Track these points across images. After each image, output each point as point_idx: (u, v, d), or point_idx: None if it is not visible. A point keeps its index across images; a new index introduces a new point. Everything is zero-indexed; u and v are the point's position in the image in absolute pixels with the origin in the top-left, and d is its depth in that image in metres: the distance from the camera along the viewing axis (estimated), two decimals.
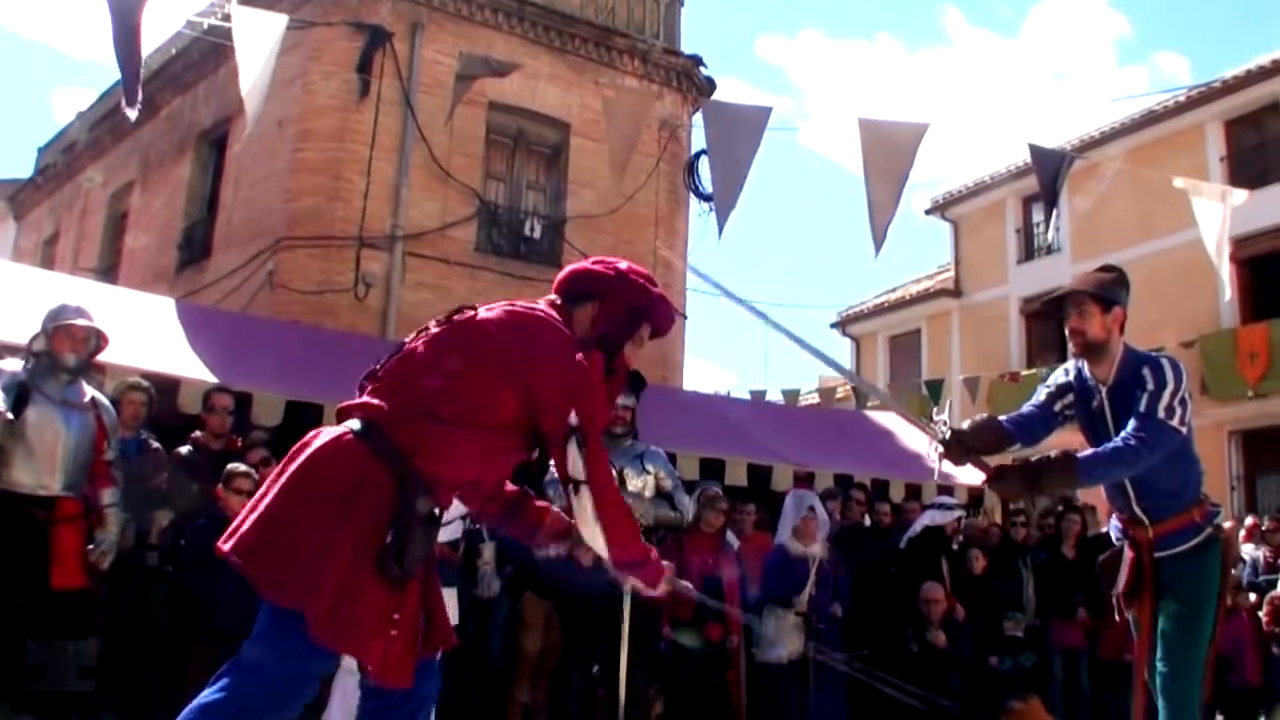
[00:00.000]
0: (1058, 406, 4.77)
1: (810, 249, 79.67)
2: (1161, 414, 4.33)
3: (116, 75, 8.25)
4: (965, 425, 4.65)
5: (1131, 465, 4.35)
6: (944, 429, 4.56)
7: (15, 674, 6.06)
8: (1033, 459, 4.36)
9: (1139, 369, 4.46)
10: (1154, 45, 70.09)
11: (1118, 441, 4.34)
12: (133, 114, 8.06)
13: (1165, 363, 4.47)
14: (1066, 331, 4.70)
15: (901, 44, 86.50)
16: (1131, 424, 4.35)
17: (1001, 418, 4.74)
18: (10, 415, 5.90)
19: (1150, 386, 4.38)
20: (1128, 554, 4.64)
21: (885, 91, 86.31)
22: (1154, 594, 4.51)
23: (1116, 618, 4.69)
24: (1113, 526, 4.86)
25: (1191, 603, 4.45)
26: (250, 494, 7.10)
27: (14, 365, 6.21)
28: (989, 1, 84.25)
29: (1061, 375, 4.85)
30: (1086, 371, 4.71)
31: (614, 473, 6.82)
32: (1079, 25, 72.08)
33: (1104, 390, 4.60)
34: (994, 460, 4.53)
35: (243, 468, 7.15)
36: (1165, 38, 68.13)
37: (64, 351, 6.21)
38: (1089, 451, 4.41)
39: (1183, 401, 4.38)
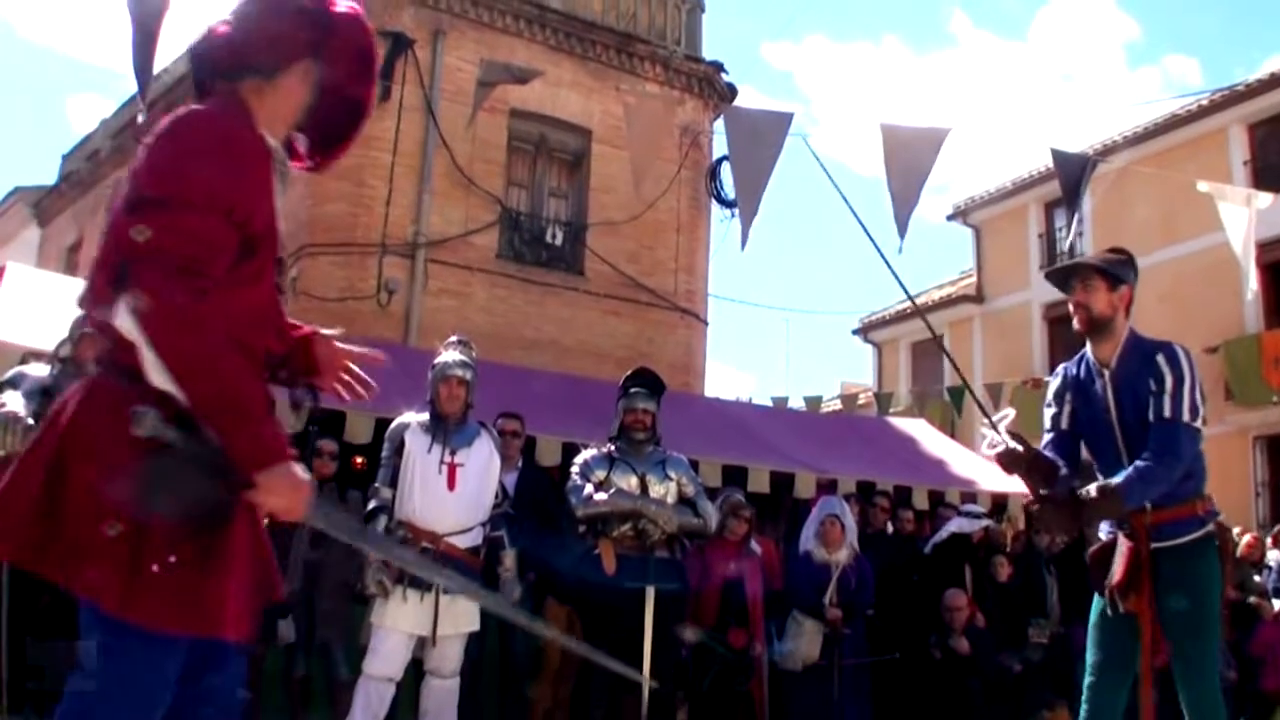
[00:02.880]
0: (1065, 424, 4.69)
1: (830, 254, 79.65)
2: (1186, 417, 4.27)
3: (133, 82, 8.41)
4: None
5: (1167, 480, 4.28)
6: (1005, 436, 4.49)
7: (16, 673, 6.07)
8: (1077, 493, 4.30)
9: (1153, 354, 4.40)
10: (1164, 48, 70.01)
11: (1149, 460, 4.25)
12: (141, 118, 8.26)
13: (1180, 352, 4.40)
14: (1071, 306, 4.60)
15: (908, 47, 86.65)
16: (1157, 434, 4.28)
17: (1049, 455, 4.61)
18: (31, 421, 5.93)
19: (1169, 382, 4.31)
20: (1123, 544, 4.45)
21: (894, 95, 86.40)
22: (1153, 587, 4.32)
23: (1109, 612, 4.46)
24: (1102, 528, 4.68)
25: (1198, 599, 4.29)
26: None
27: (40, 370, 6.26)
28: (995, 3, 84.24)
29: (1057, 382, 4.77)
30: (1089, 355, 4.63)
31: (635, 480, 6.89)
32: (1087, 27, 72.07)
33: (1107, 373, 4.51)
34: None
35: None
36: (1175, 40, 68.04)
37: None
38: (1122, 477, 4.27)
39: (1203, 395, 4.34)
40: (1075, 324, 4.61)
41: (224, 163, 2.43)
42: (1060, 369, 4.82)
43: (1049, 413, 4.78)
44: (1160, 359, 4.38)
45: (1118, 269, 4.56)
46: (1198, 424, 4.32)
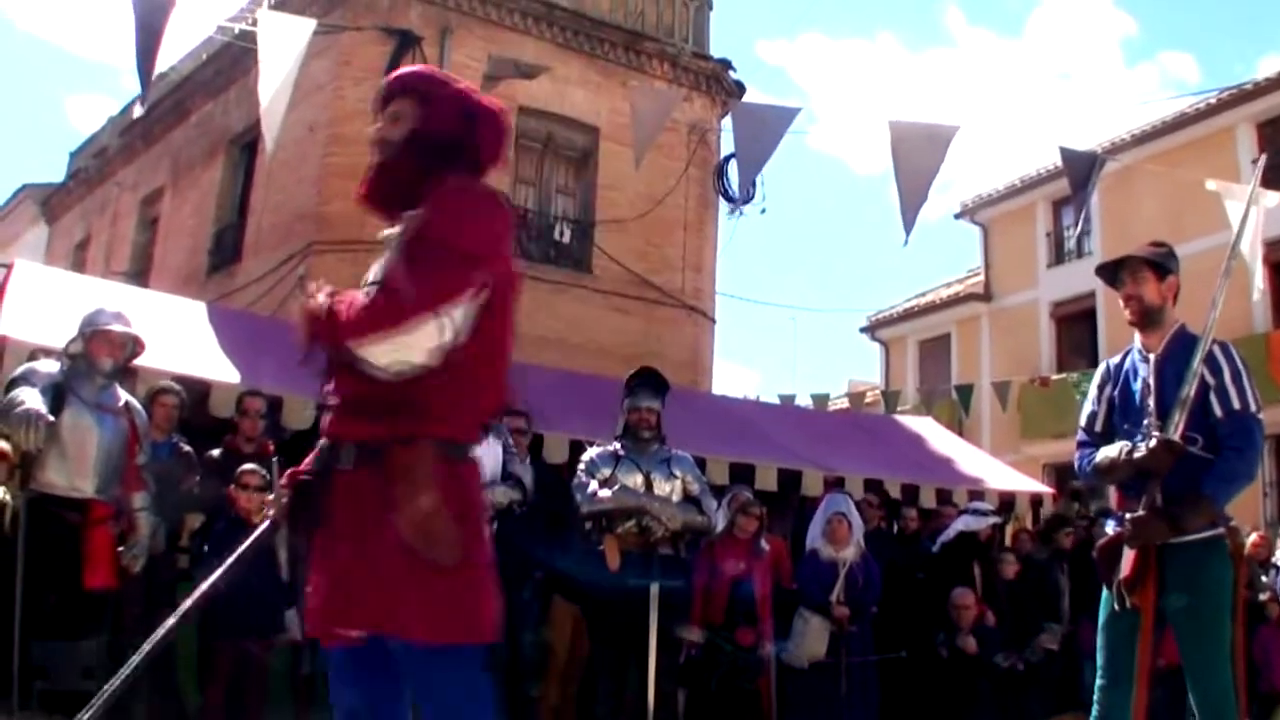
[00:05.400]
0: (1100, 427, 4.66)
1: (837, 253, 79.58)
2: (1254, 408, 4.28)
3: (135, 80, 8.37)
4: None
5: (1248, 475, 4.29)
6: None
7: (25, 671, 6.07)
8: (1160, 505, 4.23)
9: (1209, 347, 4.36)
10: (1161, 45, 69.80)
11: (1229, 456, 4.24)
12: (139, 110, 8.22)
13: (1232, 347, 4.42)
14: (1122, 300, 4.60)
15: (903, 44, 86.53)
16: (1232, 427, 4.27)
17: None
18: (50, 417, 5.92)
19: (1228, 373, 4.31)
20: None
21: (890, 92, 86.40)
22: (1158, 583, 4.27)
23: (1117, 608, 4.40)
24: (1109, 523, 4.66)
25: (1208, 600, 4.24)
26: (261, 489, 7.06)
27: (50, 367, 6.25)
28: (991, 0, 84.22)
29: (1099, 376, 4.77)
30: (1137, 344, 4.61)
31: (640, 477, 6.89)
32: (1084, 24, 71.88)
33: (1152, 358, 4.49)
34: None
35: (252, 466, 7.10)
36: (1172, 37, 67.85)
37: (100, 356, 6.25)
38: (1210, 481, 4.22)
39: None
40: (1128, 316, 4.60)
41: None
42: (1104, 363, 4.82)
43: (1087, 410, 4.77)
44: (1215, 349, 4.37)
45: (1164, 260, 4.59)
46: (1261, 416, 4.32)
